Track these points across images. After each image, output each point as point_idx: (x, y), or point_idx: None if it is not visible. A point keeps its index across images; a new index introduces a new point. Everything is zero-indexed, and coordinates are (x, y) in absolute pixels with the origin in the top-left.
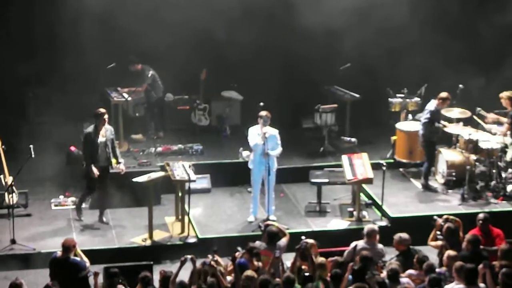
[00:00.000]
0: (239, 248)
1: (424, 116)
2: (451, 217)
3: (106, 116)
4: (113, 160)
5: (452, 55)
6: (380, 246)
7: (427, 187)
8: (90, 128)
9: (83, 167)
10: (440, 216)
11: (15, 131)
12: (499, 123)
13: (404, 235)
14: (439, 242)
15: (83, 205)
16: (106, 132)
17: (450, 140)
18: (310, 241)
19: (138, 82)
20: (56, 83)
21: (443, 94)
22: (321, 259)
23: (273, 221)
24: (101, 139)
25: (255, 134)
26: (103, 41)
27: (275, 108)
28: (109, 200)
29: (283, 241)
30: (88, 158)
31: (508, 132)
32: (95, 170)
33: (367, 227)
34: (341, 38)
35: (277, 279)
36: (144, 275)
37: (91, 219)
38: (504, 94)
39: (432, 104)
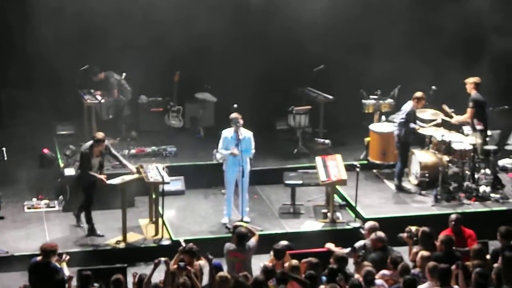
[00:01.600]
0: None
1: (400, 116)
2: (413, 227)
3: (105, 143)
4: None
5: (424, 54)
6: None
7: (400, 188)
8: (85, 148)
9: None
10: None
11: None
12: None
13: (380, 233)
14: (414, 250)
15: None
16: (101, 151)
17: (423, 141)
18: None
19: (106, 91)
20: (28, 85)
21: (418, 94)
22: (294, 261)
23: (247, 222)
24: (94, 160)
25: (226, 139)
26: (76, 42)
27: (249, 109)
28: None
29: (253, 241)
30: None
31: (469, 120)
32: (103, 177)
33: (369, 224)
34: (314, 39)
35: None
36: (116, 278)
37: (64, 221)
38: (470, 80)
39: (408, 105)
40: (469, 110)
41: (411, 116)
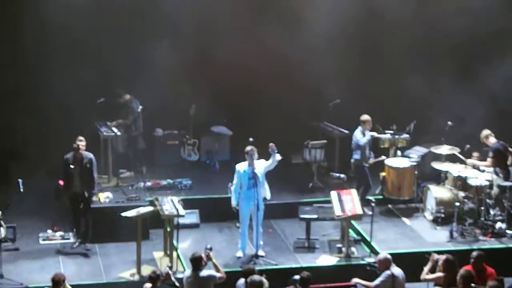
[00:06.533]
0: None
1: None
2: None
3: (80, 143)
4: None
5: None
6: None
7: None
8: (68, 155)
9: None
10: (434, 252)
11: (3, 164)
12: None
13: (388, 256)
14: (440, 274)
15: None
16: (83, 160)
17: (439, 177)
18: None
19: (124, 113)
20: (45, 117)
21: (363, 117)
22: None
23: (262, 256)
24: (75, 166)
25: (239, 173)
26: (93, 75)
27: (265, 143)
28: (90, 229)
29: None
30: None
31: (491, 169)
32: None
33: (383, 255)
34: (330, 74)
35: None
36: None
37: (79, 253)
38: (482, 134)
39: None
40: (489, 160)
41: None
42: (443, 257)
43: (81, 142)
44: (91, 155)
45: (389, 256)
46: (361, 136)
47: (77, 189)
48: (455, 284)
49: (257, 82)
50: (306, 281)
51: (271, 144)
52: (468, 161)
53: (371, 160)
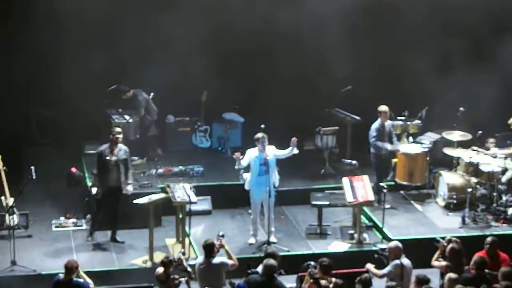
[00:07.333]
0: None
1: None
2: (454, 238)
3: (119, 136)
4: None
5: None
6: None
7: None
8: (103, 147)
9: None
10: (442, 238)
11: (17, 152)
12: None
13: (399, 244)
14: (443, 263)
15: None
16: (119, 152)
17: (451, 163)
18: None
19: (133, 108)
20: (57, 104)
21: (380, 108)
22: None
23: (274, 243)
24: (112, 158)
25: (250, 158)
26: (104, 62)
27: (276, 130)
28: (118, 221)
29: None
30: (97, 179)
31: None
32: (94, 191)
33: (394, 243)
34: (343, 60)
35: None
36: None
37: (91, 240)
38: (510, 120)
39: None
40: None
41: (380, 132)
42: (449, 245)
43: (119, 135)
44: (125, 147)
45: (400, 245)
46: (372, 131)
47: (112, 183)
48: (459, 273)
49: (269, 69)
50: (328, 268)
51: (293, 138)
52: (489, 152)
53: (389, 147)
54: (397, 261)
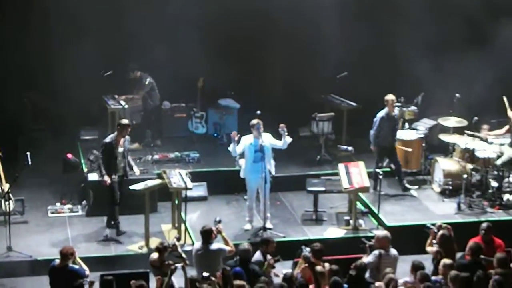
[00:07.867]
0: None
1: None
2: (444, 224)
3: (129, 129)
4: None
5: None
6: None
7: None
8: (110, 138)
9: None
10: (433, 224)
11: (12, 138)
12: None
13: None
14: (434, 248)
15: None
16: (124, 142)
17: (446, 149)
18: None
19: (135, 89)
20: (52, 90)
21: (387, 97)
22: (319, 268)
23: (269, 229)
24: (119, 149)
25: (245, 145)
26: (101, 47)
27: (272, 116)
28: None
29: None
30: (105, 168)
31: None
32: (107, 179)
33: (382, 233)
34: (338, 46)
35: None
36: (139, 284)
37: (87, 226)
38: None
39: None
40: (507, 128)
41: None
42: (440, 231)
43: (129, 128)
44: (128, 136)
45: (389, 235)
46: (375, 122)
47: (120, 172)
48: (450, 258)
49: (265, 55)
50: (319, 252)
51: (281, 125)
52: (491, 134)
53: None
54: (375, 252)
